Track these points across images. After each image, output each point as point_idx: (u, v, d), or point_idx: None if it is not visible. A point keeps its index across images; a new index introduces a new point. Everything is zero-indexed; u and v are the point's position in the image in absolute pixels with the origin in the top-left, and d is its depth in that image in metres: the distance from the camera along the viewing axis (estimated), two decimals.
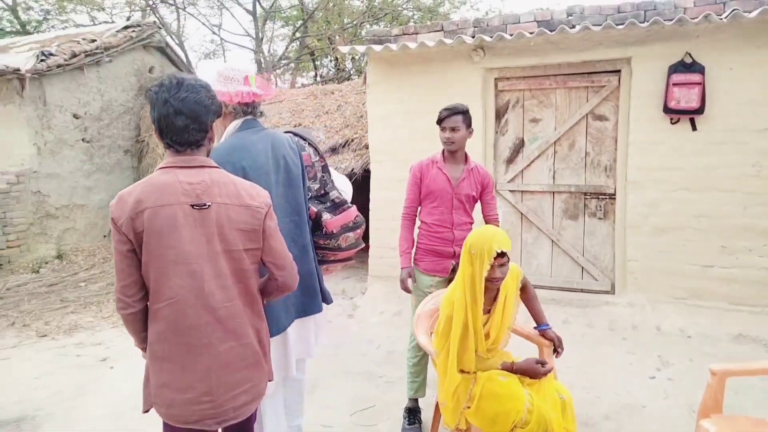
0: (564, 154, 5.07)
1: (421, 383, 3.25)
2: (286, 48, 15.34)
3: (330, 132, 6.87)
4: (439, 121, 3.12)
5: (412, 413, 3.20)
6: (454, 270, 3.08)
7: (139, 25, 9.19)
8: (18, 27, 16.88)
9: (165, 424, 1.79)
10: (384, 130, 5.50)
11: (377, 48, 5.18)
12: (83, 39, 8.42)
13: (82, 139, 8.17)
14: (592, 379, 3.71)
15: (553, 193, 5.12)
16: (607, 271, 5.00)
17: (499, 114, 5.28)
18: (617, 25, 4.49)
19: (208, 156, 1.80)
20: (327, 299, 2.52)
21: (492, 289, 2.38)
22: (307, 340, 2.45)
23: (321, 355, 4.37)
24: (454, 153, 3.16)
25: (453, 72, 5.24)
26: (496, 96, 5.25)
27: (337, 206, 2.56)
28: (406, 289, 3.21)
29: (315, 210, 2.45)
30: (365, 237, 2.89)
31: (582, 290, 5.07)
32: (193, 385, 1.68)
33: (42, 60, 7.46)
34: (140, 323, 1.74)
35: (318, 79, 16.08)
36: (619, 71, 4.80)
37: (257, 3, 15.27)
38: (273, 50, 16.67)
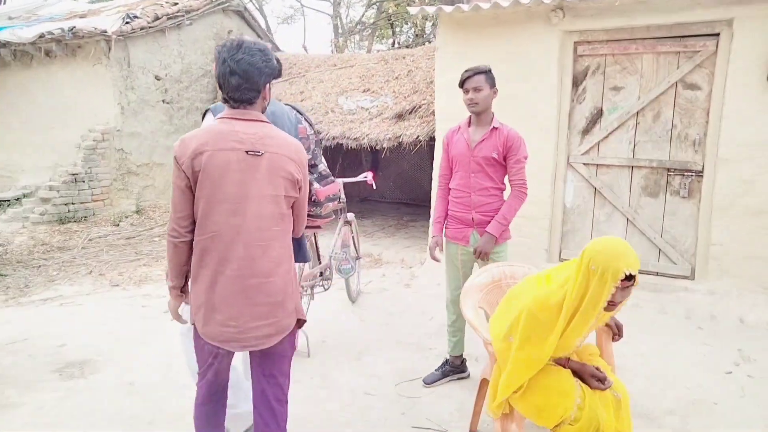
0: (647, 126, 4.65)
1: (458, 342, 3.33)
2: (363, 13, 15.13)
3: (398, 98, 6.72)
4: (461, 84, 3.04)
5: (445, 364, 3.36)
6: (475, 240, 3.09)
7: None
8: None
9: (197, 339, 1.97)
10: (451, 97, 5.27)
11: (447, 9, 4.93)
12: (166, 2, 8.66)
13: (163, 101, 8.47)
14: (659, 369, 3.42)
15: (632, 167, 4.73)
16: (687, 254, 4.59)
17: (577, 81, 4.91)
18: None
19: (263, 112, 1.98)
20: (305, 257, 2.71)
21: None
22: None
23: (372, 322, 4.34)
24: (479, 115, 3.05)
25: (528, 35, 4.91)
26: (574, 61, 4.88)
27: (324, 177, 2.74)
28: (435, 258, 3.21)
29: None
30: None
31: (657, 273, 4.70)
32: (222, 310, 1.86)
33: (127, 22, 7.75)
34: (185, 255, 1.92)
35: (396, 45, 15.81)
36: (717, 35, 4.30)
37: None
38: (352, 16, 16.58)
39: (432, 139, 5.91)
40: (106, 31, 7.46)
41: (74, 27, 7.44)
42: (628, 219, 4.79)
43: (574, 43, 4.84)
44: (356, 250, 4.86)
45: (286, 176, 1.91)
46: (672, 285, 4.54)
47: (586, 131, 4.93)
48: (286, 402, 2.10)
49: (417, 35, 15.13)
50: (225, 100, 1.92)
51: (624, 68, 4.69)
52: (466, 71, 3.02)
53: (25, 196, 7.72)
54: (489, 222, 3.02)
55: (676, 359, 3.58)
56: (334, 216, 2.87)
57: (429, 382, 3.27)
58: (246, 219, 1.85)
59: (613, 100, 4.77)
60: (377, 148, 6.41)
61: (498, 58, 5.03)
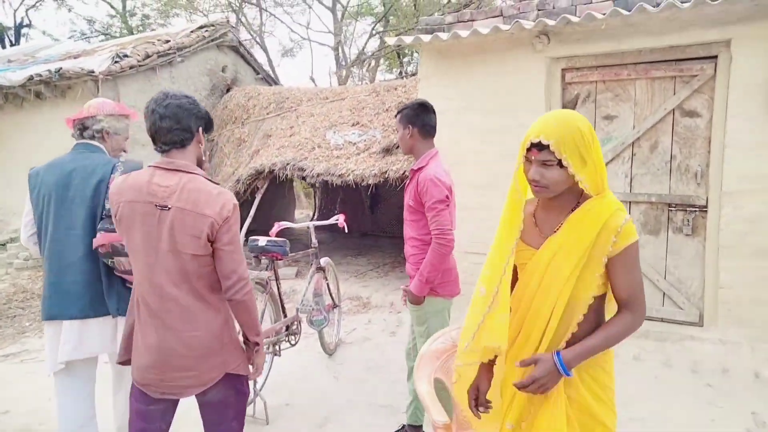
0: (644, 158, 4.28)
1: (416, 409, 3.03)
2: (365, 44, 15.09)
3: (387, 131, 6.44)
4: None
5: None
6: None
7: (212, 25, 9.25)
8: (126, 32, 18.01)
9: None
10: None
11: (426, 38, 4.66)
12: (158, 40, 8.60)
13: None
14: None
15: (629, 203, 4.34)
16: (694, 298, 4.15)
17: None
18: (713, 0, 3.65)
19: (200, 161, 2.03)
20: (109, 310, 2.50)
21: (549, 208, 1.70)
22: (91, 339, 2.49)
23: (346, 379, 3.97)
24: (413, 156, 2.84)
25: (513, 63, 4.60)
26: (563, 89, 4.55)
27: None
28: None
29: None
30: None
31: (662, 320, 4.26)
32: (145, 355, 1.92)
33: (116, 61, 7.65)
34: None
35: (403, 75, 15.69)
36: (715, 57, 3.94)
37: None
38: (358, 47, 16.58)
39: None
40: (93, 71, 7.36)
41: (60, 68, 7.37)
42: None
43: (562, 70, 4.52)
44: (333, 298, 4.53)
45: (193, 233, 1.86)
46: (678, 333, 4.09)
47: None
48: None
49: None
50: (159, 150, 1.95)
51: (616, 95, 4.34)
52: None
53: (11, 240, 7.58)
54: (413, 275, 2.75)
55: (680, 421, 3.14)
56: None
57: None
58: (156, 272, 1.88)
59: (606, 129, 4.41)
60: (362, 184, 6.11)
61: (482, 88, 4.75)
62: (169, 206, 1.84)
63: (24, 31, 16.90)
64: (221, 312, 1.98)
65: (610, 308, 1.73)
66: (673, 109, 4.12)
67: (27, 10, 17.13)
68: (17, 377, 4.16)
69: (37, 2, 17.21)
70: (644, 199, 4.26)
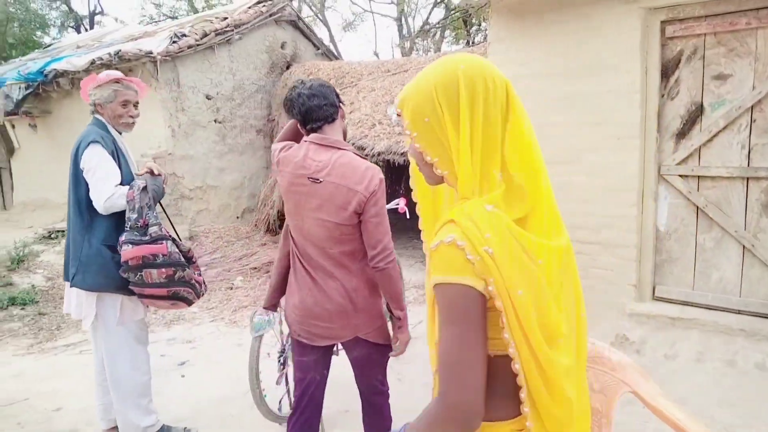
0: (766, 125, 3.53)
1: None
2: (429, 13, 14.35)
3: None
4: None
5: None
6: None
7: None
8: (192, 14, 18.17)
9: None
10: None
11: None
12: (216, 18, 8.38)
13: (215, 120, 8.16)
14: None
15: (747, 179, 3.62)
16: None
17: (667, 71, 3.86)
18: None
19: (345, 133, 2.22)
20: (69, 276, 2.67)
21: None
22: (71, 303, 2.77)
23: (413, 381, 3.58)
24: None
25: (598, 17, 3.93)
26: (662, 46, 3.84)
27: (149, 239, 2.55)
28: None
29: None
30: None
31: None
32: (296, 302, 2.16)
33: (174, 42, 7.49)
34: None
35: (471, 45, 14.87)
36: None
37: None
38: (422, 18, 15.83)
39: None
40: (151, 53, 7.23)
41: (120, 50, 7.28)
42: (744, 246, 3.67)
43: (661, 22, 3.80)
44: None
45: (340, 205, 2.00)
46: None
47: (681, 134, 3.86)
48: (381, 391, 2.36)
49: None
50: (311, 130, 2.10)
51: (731, 50, 3.60)
52: None
53: None
54: None
55: None
56: (174, 288, 2.61)
57: None
58: (305, 236, 2.09)
59: (717, 92, 3.68)
60: None
61: (562, 50, 4.11)
62: (321, 179, 2.01)
63: (97, 18, 17.39)
64: (356, 278, 2.10)
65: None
66: None
67: None
68: (74, 369, 4.06)
69: None
70: (765, 174, 3.53)
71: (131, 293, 2.62)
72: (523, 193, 1.04)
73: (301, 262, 2.14)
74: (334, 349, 2.44)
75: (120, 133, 2.79)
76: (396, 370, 3.80)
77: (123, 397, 2.77)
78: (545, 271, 1.02)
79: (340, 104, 2.16)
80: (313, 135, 2.09)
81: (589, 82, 4.00)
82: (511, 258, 0.96)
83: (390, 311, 2.18)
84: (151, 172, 2.74)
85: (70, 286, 2.67)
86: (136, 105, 2.79)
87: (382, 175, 2.08)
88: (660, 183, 3.98)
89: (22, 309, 5.35)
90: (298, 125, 2.15)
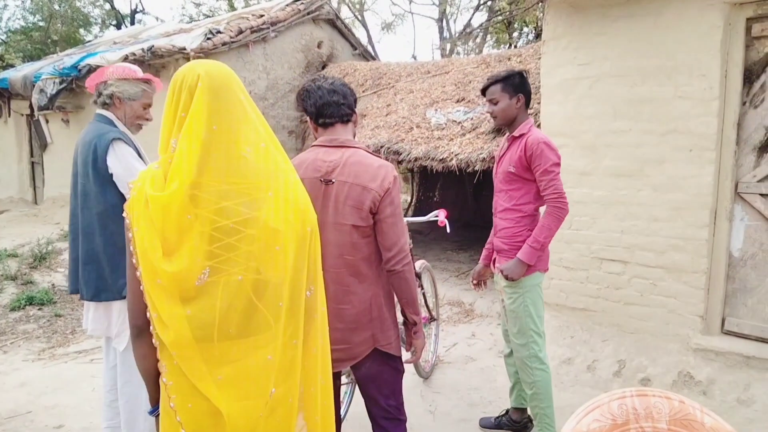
0: None
1: (514, 389, 3.05)
2: (472, 15, 13.92)
3: None
4: (483, 93, 2.82)
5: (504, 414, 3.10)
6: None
7: None
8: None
9: None
10: (562, 103, 3.97)
11: None
12: (252, 15, 8.17)
13: None
14: None
15: None
16: None
17: (751, 75, 3.39)
18: None
19: (353, 135, 2.10)
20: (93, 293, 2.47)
21: None
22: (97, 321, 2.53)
23: (445, 416, 3.19)
24: (508, 127, 2.77)
25: (673, 13, 3.48)
26: (747, 47, 3.37)
27: None
28: (474, 287, 3.09)
29: None
30: None
31: None
32: None
33: (208, 38, 7.29)
34: None
35: (514, 48, 14.37)
36: None
37: None
38: (464, 19, 15.42)
39: None
40: (185, 49, 7.03)
41: (153, 46, 7.11)
42: None
43: (747, 20, 3.33)
44: (430, 311, 3.74)
45: (354, 205, 1.92)
46: None
47: (764, 148, 3.38)
48: (398, 419, 2.11)
49: (537, 36, 13.56)
50: (323, 125, 2.03)
51: None
52: (487, 79, 2.77)
53: None
54: (507, 249, 2.72)
55: None
56: None
57: (483, 425, 3.08)
58: (322, 244, 1.91)
59: None
60: (469, 170, 5.21)
61: (629, 49, 3.68)
62: (333, 180, 1.93)
63: (138, 16, 17.53)
64: (372, 286, 2.00)
65: None
66: None
67: None
68: (81, 381, 3.80)
69: None
70: None
71: None
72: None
73: None
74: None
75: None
76: (428, 400, 3.43)
77: (133, 422, 2.49)
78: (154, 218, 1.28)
79: (355, 111, 2.10)
80: (322, 138, 2.03)
81: (659, 86, 3.56)
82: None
83: (404, 316, 2.09)
84: None
85: (98, 301, 2.46)
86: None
87: (396, 173, 2.00)
88: (736, 202, 3.50)
89: (40, 309, 5.15)
90: (309, 120, 2.06)
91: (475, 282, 3.05)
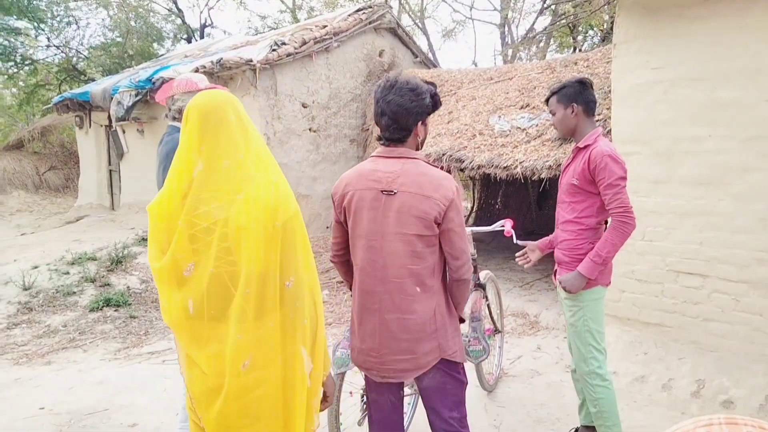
0: None
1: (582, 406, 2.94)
2: (535, 20, 13.64)
3: None
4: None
5: None
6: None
7: (370, 7, 8.76)
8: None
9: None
10: (634, 108, 3.81)
11: None
12: (315, 26, 8.33)
13: (309, 129, 8.07)
14: None
15: None
16: None
17: None
18: None
19: (417, 148, 2.07)
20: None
21: None
22: None
23: (510, 431, 3.10)
24: (573, 137, 2.72)
25: (759, 11, 3.28)
26: None
27: None
28: (524, 260, 2.98)
29: None
30: None
31: None
32: (365, 339, 2.04)
33: (274, 50, 7.49)
34: (343, 270, 2.22)
35: (578, 53, 13.96)
36: None
37: None
38: (526, 26, 15.14)
39: None
40: (252, 61, 7.25)
41: (221, 59, 7.36)
42: None
43: None
44: (494, 322, 3.66)
45: (418, 215, 1.92)
46: None
47: None
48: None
49: (603, 40, 13.11)
50: (379, 138, 2.07)
51: None
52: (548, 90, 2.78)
53: None
54: (568, 261, 2.66)
55: None
56: None
57: None
58: (382, 255, 1.97)
59: None
60: (533, 178, 5.09)
61: (707, 52, 3.49)
62: (395, 191, 1.94)
63: (207, 30, 18.25)
64: (435, 297, 2.01)
65: None
66: None
67: (209, 10, 18.51)
68: (155, 382, 3.94)
69: (217, 2, 18.50)
70: None
71: None
72: None
73: (369, 292, 2.01)
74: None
75: None
76: (492, 414, 3.35)
77: None
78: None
79: (417, 124, 2.01)
80: (379, 149, 2.04)
81: (741, 90, 3.35)
82: None
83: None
84: None
85: None
86: None
87: (457, 184, 2.03)
88: None
89: (116, 311, 5.42)
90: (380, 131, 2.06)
91: (519, 256, 2.99)
